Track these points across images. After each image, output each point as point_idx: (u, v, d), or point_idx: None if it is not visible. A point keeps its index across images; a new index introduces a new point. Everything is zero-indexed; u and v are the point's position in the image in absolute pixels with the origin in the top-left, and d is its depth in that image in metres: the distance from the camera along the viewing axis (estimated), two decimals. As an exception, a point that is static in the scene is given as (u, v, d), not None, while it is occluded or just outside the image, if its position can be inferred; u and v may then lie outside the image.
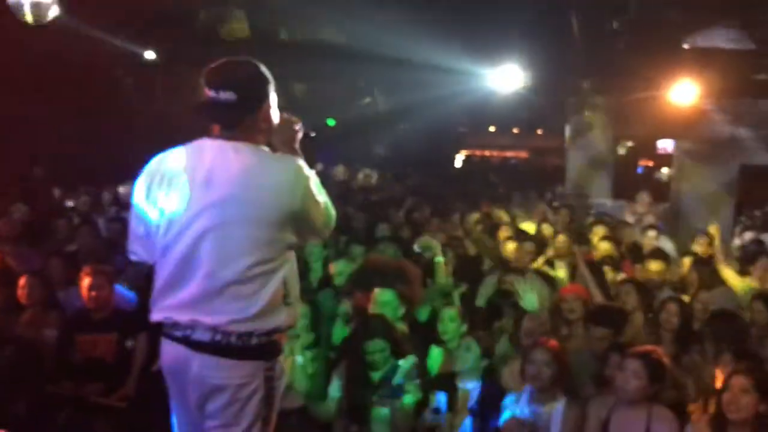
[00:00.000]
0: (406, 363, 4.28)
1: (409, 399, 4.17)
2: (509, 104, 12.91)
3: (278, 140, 2.71)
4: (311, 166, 2.70)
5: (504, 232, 7.29)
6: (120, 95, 11.75)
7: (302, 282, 2.81)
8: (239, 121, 2.57)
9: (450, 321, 4.60)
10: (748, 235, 8.88)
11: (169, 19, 10.53)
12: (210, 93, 2.55)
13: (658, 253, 6.24)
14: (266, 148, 2.63)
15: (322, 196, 2.66)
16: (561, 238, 6.76)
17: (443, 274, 5.67)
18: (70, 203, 9.40)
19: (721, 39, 8.62)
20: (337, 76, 10.80)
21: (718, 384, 3.69)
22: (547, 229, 7.71)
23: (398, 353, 4.32)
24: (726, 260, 6.29)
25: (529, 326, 4.50)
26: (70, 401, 4.60)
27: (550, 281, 5.99)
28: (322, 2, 9.48)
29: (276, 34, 12.01)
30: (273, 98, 2.67)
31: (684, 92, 9.10)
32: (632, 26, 8.84)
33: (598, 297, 5.34)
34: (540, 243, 6.84)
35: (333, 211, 2.74)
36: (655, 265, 5.96)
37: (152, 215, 2.60)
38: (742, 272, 6.21)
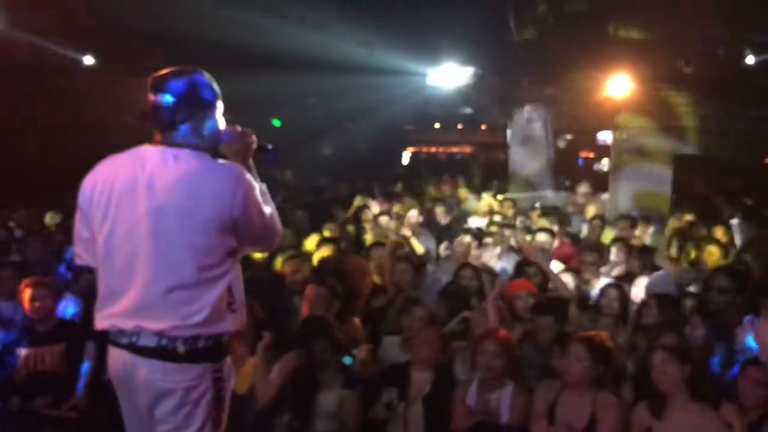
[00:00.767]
0: (348, 359, 4.35)
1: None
2: (453, 101, 13.03)
3: (230, 151, 2.70)
4: (267, 177, 2.69)
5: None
6: (54, 101, 11.40)
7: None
8: (177, 125, 2.58)
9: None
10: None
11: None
12: (152, 97, 2.58)
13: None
14: (207, 156, 2.61)
15: (268, 208, 2.65)
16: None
17: None
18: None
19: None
20: (278, 82, 10.69)
21: None
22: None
23: (341, 350, 4.38)
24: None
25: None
26: (18, 415, 4.52)
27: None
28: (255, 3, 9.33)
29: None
30: (218, 107, 2.68)
31: (618, 84, 9.39)
32: (564, 18, 9.01)
33: (561, 285, 5.49)
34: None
35: (279, 224, 2.72)
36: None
37: (95, 220, 2.60)
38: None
